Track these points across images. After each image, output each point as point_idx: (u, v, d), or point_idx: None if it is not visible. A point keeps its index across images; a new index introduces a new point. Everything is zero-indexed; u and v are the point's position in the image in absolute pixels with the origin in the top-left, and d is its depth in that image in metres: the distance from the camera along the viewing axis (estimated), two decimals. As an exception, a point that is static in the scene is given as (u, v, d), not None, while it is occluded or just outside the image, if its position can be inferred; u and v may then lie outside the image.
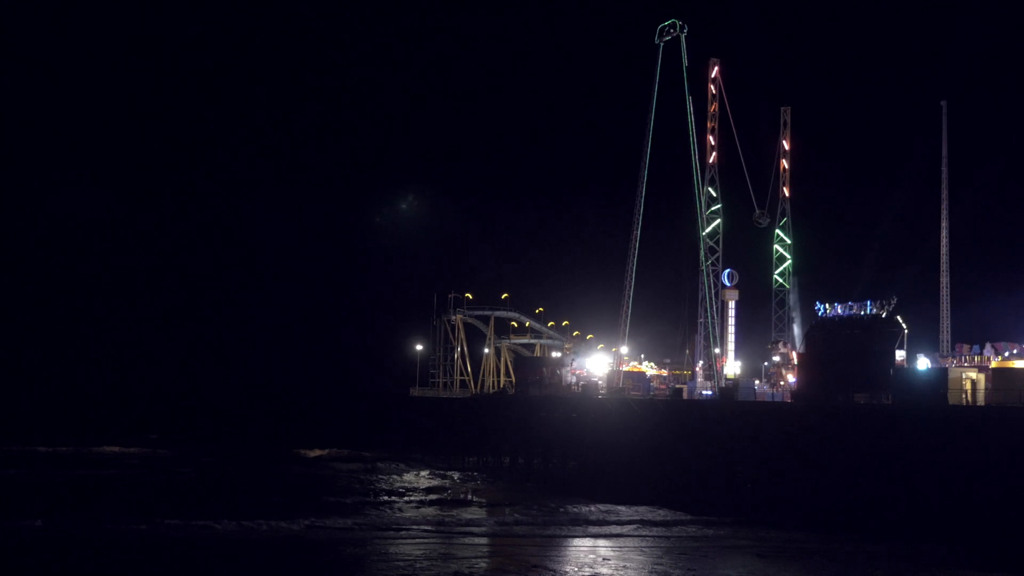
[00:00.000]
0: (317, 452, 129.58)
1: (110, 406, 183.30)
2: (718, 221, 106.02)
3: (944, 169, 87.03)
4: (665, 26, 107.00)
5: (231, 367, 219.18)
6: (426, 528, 69.14)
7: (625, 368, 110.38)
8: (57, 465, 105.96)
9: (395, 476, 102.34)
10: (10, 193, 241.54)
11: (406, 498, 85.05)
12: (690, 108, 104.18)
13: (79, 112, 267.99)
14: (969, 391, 71.62)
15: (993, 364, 73.06)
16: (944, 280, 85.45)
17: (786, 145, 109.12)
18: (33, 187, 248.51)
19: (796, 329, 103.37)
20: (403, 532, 67.37)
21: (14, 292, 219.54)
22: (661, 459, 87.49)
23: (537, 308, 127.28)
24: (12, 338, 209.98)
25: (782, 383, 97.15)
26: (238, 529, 66.12)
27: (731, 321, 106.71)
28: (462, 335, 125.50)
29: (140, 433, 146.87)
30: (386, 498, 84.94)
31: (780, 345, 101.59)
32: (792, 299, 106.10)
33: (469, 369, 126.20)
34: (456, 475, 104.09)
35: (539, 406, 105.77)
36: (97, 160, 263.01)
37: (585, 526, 70.97)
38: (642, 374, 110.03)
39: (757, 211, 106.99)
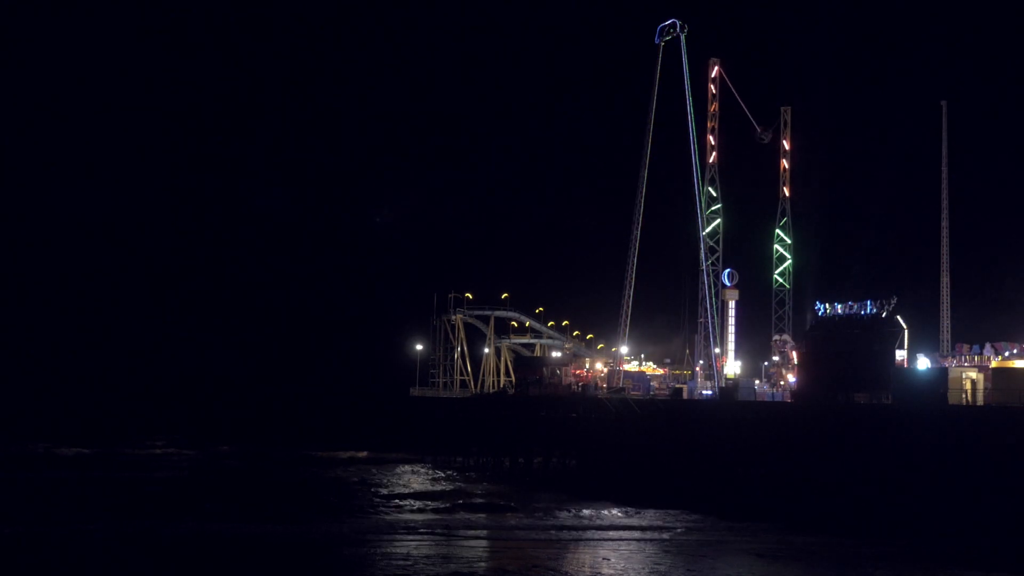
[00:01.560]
0: (323, 453, 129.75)
1: (119, 406, 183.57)
2: (718, 221, 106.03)
3: (944, 169, 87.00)
4: (665, 26, 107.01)
5: (229, 367, 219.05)
6: (426, 528, 69.11)
7: (625, 368, 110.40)
8: (107, 467, 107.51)
9: (395, 476, 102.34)
10: (12, 193, 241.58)
11: (406, 498, 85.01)
12: (690, 108, 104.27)
13: (81, 113, 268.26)
14: (969, 391, 71.67)
15: (993, 364, 73.08)
16: (944, 280, 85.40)
17: (786, 145, 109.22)
18: (39, 189, 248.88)
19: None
20: (403, 532, 67.37)
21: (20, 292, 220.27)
22: (661, 459, 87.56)
23: (537, 308, 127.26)
24: (16, 339, 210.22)
25: (782, 383, 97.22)
26: (244, 530, 66.28)
27: (731, 321, 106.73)
28: (462, 335, 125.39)
29: (167, 433, 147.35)
30: (386, 499, 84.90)
31: (783, 337, 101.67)
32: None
33: (469, 369, 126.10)
34: (456, 475, 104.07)
35: (539, 406, 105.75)
36: (103, 163, 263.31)
37: (585, 526, 70.95)
38: (642, 374, 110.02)
39: (759, 129, 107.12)
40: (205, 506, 76.94)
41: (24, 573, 54.37)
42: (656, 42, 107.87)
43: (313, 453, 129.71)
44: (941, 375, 72.49)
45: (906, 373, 75.13)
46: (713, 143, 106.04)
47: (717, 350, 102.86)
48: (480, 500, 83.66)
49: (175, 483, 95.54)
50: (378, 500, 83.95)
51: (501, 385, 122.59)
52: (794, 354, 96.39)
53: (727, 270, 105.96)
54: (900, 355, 77.24)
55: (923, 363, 77.59)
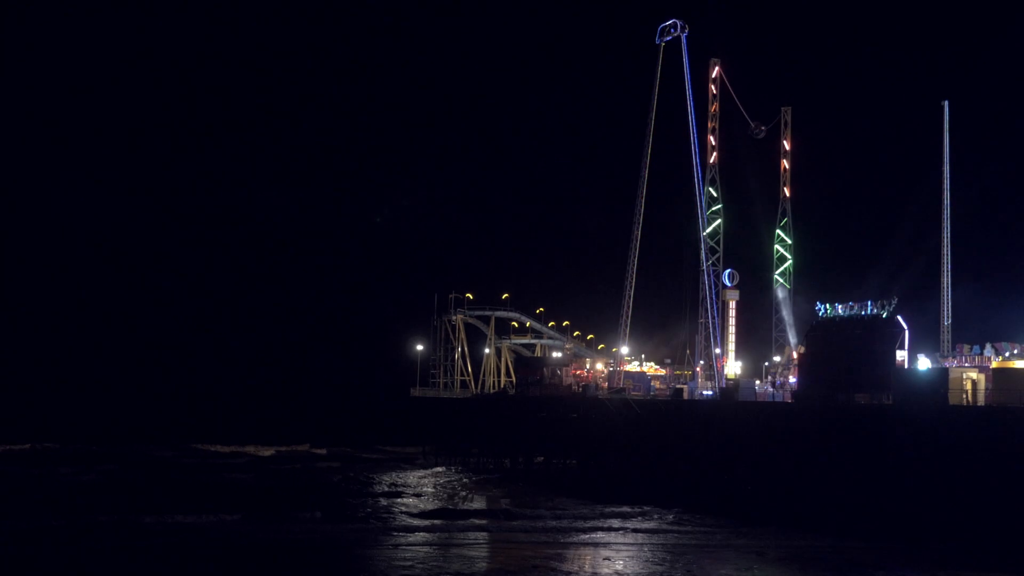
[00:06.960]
0: (321, 452, 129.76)
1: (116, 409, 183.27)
2: (718, 221, 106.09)
3: (944, 169, 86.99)
4: (666, 26, 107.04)
5: (228, 366, 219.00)
6: (426, 528, 69.16)
7: (625, 368, 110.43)
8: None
9: (395, 476, 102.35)
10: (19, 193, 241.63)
11: (406, 498, 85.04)
12: (691, 108, 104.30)
13: (83, 113, 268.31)
14: (969, 391, 71.62)
15: (993, 364, 73.11)
16: (944, 280, 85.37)
17: (786, 145, 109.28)
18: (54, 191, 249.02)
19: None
20: (403, 532, 67.41)
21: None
22: (661, 459, 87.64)
23: (537, 308, 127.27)
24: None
25: (782, 383, 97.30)
26: (241, 528, 66.37)
27: (731, 321, 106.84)
28: (462, 335, 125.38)
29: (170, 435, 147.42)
30: (385, 498, 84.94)
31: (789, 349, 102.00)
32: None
33: (469, 369, 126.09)
34: (456, 475, 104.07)
35: (539, 406, 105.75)
36: (108, 163, 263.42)
37: (586, 526, 70.96)
38: (642, 374, 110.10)
39: (752, 124, 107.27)
40: (207, 504, 76.96)
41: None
42: (657, 42, 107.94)
43: (312, 452, 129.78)
44: (941, 375, 72.44)
45: (906, 373, 75.12)
46: (713, 143, 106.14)
47: (718, 350, 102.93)
48: (480, 500, 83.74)
49: (176, 484, 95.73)
50: (378, 500, 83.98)
51: (502, 385, 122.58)
52: (794, 354, 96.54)
53: (727, 270, 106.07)
54: (900, 355, 77.17)
55: (923, 363, 77.57)
